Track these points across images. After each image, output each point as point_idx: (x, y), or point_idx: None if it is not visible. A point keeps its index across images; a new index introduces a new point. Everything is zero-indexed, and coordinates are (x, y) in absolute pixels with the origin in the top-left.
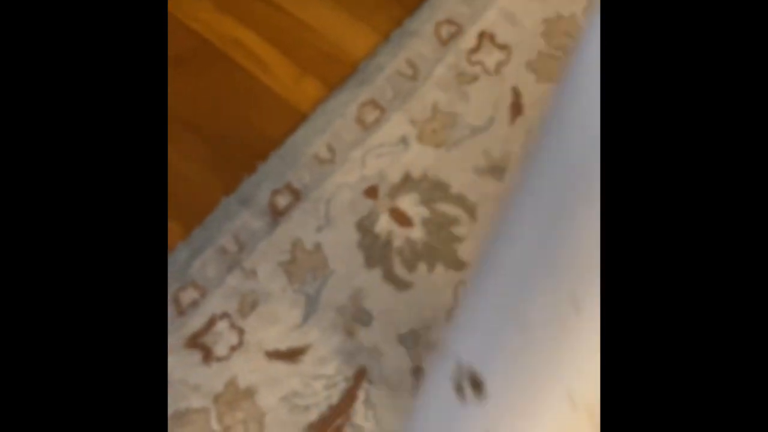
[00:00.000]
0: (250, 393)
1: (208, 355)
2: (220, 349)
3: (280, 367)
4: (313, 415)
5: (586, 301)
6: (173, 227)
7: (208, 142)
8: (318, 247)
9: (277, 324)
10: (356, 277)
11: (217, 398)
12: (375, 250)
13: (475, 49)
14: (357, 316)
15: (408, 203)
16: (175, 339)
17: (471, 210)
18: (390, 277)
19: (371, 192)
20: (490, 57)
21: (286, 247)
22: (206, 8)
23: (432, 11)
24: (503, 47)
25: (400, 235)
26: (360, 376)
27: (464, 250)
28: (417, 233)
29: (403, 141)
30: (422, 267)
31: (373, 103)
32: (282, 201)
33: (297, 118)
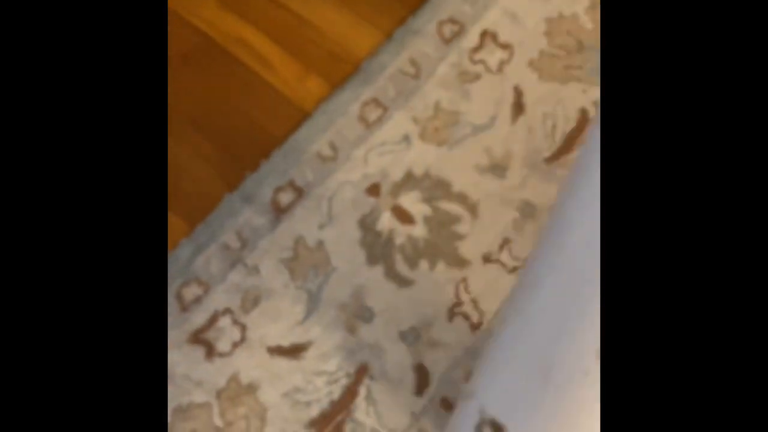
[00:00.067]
0: (252, 388)
1: (210, 351)
2: (222, 345)
3: (282, 363)
4: (314, 411)
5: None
6: (177, 223)
7: (211, 139)
8: (320, 244)
9: (279, 320)
10: (358, 275)
11: (219, 393)
12: (377, 247)
13: (478, 48)
14: (359, 313)
15: (410, 201)
16: (178, 334)
17: (472, 208)
18: (391, 275)
19: (373, 190)
20: (493, 56)
21: (289, 244)
22: (210, 6)
23: (435, 10)
24: (505, 46)
25: (402, 233)
26: (361, 372)
27: (465, 248)
28: (419, 231)
29: (406, 139)
30: (424, 264)
31: (376, 102)
32: (285, 198)
33: (300, 116)
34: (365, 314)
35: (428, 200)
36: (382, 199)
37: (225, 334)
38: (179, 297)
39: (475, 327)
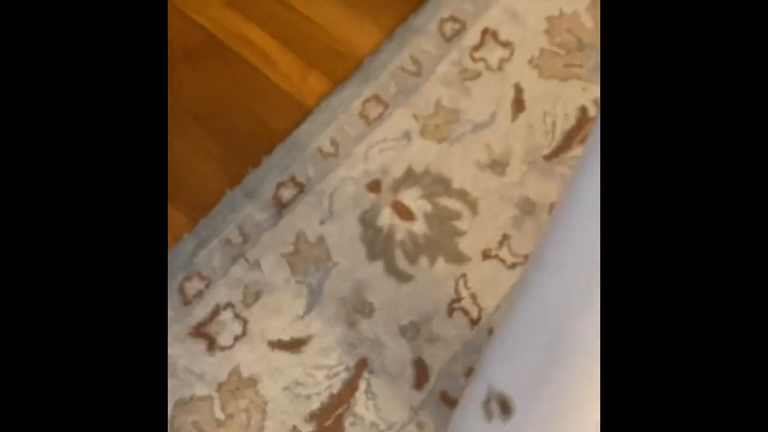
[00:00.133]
0: (253, 382)
1: (212, 345)
2: (224, 339)
3: (283, 357)
4: (314, 404)
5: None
6: (179, 218)
7: (214, 135)
8: (321, 239)
9: (280, 314)
10: (358, 270)
11: (221, 386)
12: (377, 243)
13: (478, 46)
14: (359, 308)
15: (410, 197)
16: (180, 328)
17: (472, 204)
18: (392, 270)
19: (374, 186)
20: (493, 54)
21: (290, 239)
22: (214, 4)
23: (436, 8)
24: (506, 44)
25: (402, 229)
26: (361, 366)
27: (465, 244)
28: (419, 227)
29: (406, 136)
30: (423, 260)
31: (377, 99)
32: (286, 194)
33: (302, 112)
34: (365, 309)
35: (428, 196)
36: (383, 195)
37: (226, 328)
38: (181, 291)
39: (474, 322)
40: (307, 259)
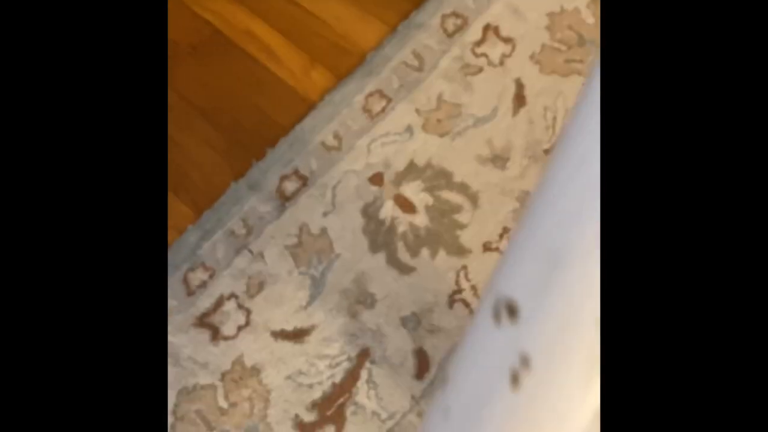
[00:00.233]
0: (256, 371)
1: (216, 334)
2: (227, 329)
3: (286, 347)
4: (316, 394)
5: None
6: (184, 210)
7: (219, 128)
8: (324, 231)
9: (283, 305)
10: (361, 261)
11: (224, 375)
12: (379, 235)
13: (480, 42)
14: (361, 299)
15: (412, 190)
16: (184, 318)
17: (473, 198)
18: (393, 262)
19: (376, 179)
20: (495, 49)
21: (293, 231)
22: None
23: (438, 4)
24: (508, 40)
25: (404, 221)
26: (363, 356)
27: (466, 237)
28: (420, 220)
29: (409, 130)
30: (425, 252)
31: (380, 93)
32: (290, 186)
33: (305, 106)
34: (367, 300)
35: (430, 190)
36: (385, 188)
37: (230, 318)
38: (186, 282)
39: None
40: (310, 251)
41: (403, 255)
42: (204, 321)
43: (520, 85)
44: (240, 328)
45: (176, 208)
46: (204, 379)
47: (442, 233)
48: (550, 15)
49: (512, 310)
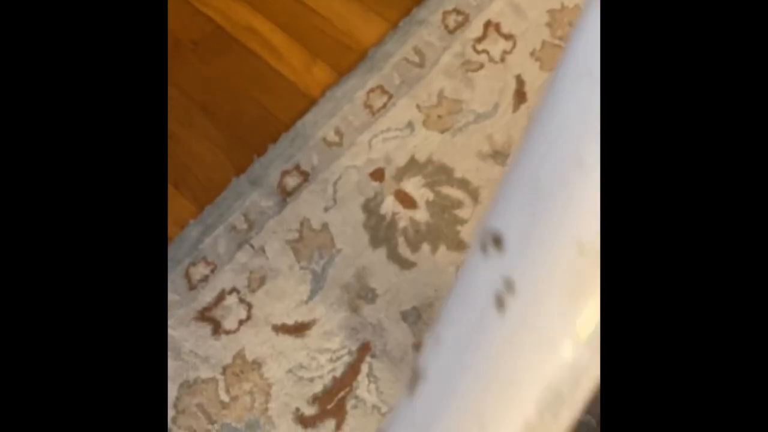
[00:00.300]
0: (257, 365)
1: (217, 328)
2: (229, 323)
3: (287, 341)
4: (317, 387)
5: (588, 159)
6: (186, 206)
7: (220, 124)
8: (325, 226)
9: (284, 299)
10: (361, 256)
11: (225, 369)
12: (380, 230)
13: (481, 38)
14: (362, 294)
15: (413, 186)
16: (185, 312)
17: (474, 194)
18: (394, 257)
19: (377, 174)
20: (496, 46)
21: (294, 226)
22: None
23: (440, 1)
24: (508, 37)
25: (405, 217)
26: (364, 350)
27: (466, 232)
28: (421, 215)
29: (410, 126)
30: (425, 247)
31: (381, 89)
32: (291, 182)
33: (307, 102)
34: (368, 295)
35: (431, 185)
36: (386, 184)
37: (231, 312)
38: (187, 276)
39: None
40: (311, 246)
41: (404, 250)
42: (205, 315)
43: (520, 82)
44: (241, 322)
45: (178, 203)
46: (205, 372)
47: (443, 228)
48: (551, 12)
49: (498, 241)
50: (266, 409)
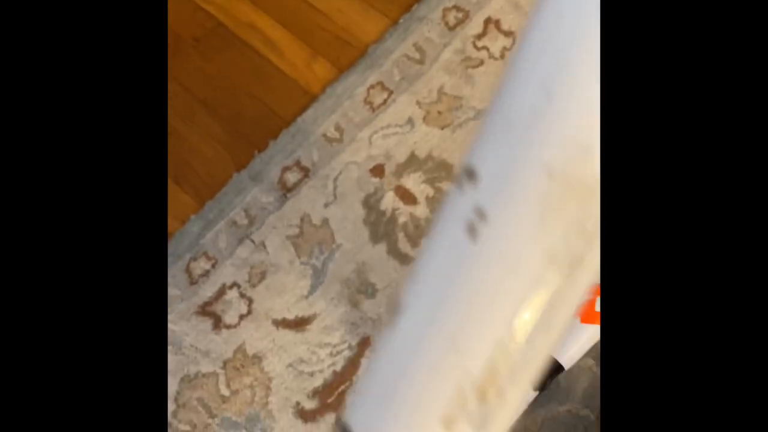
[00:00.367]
0: (257, 359)
1: (218, 323)
2: (229, 317)
3: (287, 335)
4: (317, 381)
5: (555, 90)
6: (187, 201)
7: (221, 120)
8: (325, 222)
9: (284, 294)
10: (362, 252)
11: (226, 363)
12: (380, 226)
13: (481, 35)
14: (362, 288)
15: (413, 182)
16: (186, 306)
17: None
18: (394, 252)
19: (377, 170)
20: (496, 43)
21: (295, 222)
22: None
23: None
24: (508, 33)
25: (405, 212)
26: (364, 344)
27: None
28: (421, 211)
29: (410, 122)
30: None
31: (381, 86)
32: (291, 177)
33: (307, 98)
34: (368, 290)
35: (430, 181)
36: (386, 180)
37: (232, 307)
38: (188, 271)
39: None
40: (312, 241)
41: (404, 245)
42: (206, 310)
43: None
44: (242, 317)
45: (179, 198)
46: (206, 366)
47: None
48: None
49: (471, 175)
50: (267, 403)
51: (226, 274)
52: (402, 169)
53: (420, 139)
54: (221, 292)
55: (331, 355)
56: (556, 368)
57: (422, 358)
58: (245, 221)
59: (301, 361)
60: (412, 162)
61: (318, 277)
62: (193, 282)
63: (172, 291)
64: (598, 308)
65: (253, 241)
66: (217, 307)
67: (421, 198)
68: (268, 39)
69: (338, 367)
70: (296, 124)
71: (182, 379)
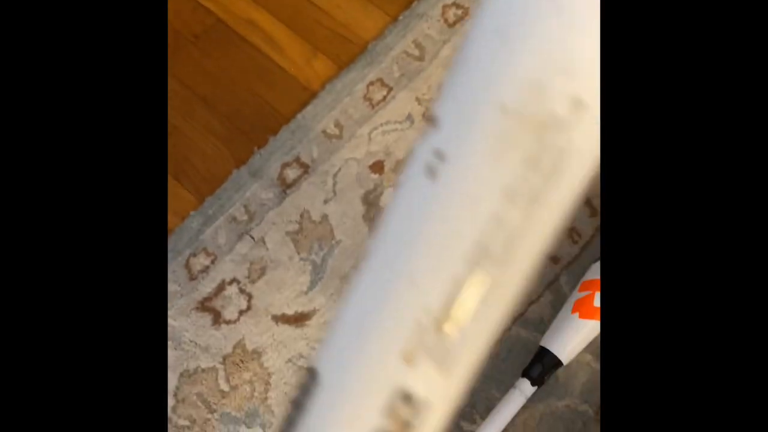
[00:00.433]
0: (257, 354)
1: (217, 318)
2: (229, 313)
3: (287, 331)
4: None
5: (509, 32)
6: (186, 197)
7: (221, 116)
8: (325, 218)
9: (284, 290)
10: (361, 248)
11: (225, 359)
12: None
13: None
14: None
15: None
16: (186, 302)
17: None
18: None
19: (377, 167)
20: None
21: (295, 218)
22: None
23: None
24: None
25: None
26: None
27: None
28: None
29: (409, 119)
30: None
31: (381, 82)
32: (291, 173)
33: (307, 95)
34: None
35: None
36: (386, 176)
37: (232, 303)
38: (188, 267)
39: None
40: (311, 237)
41: None
42: (206, 305)
43: None
44: (241, 313)
45: (179, 194)
46: (205, 362)
47: None
48: None
49: (433, 121)
50: (266, 399)
51: (225, 269)
52: (401, 165)
53: (419, 135)
54: (221, 287)
55: None
56: (554, 363)
57: (382, 297)
58: (245, 217)
59: (301, 356)
60: None
61: (317, 272)
62: (192, 278)
63: (171, 286)
64: (596, 304)
65: (252, 237)
66: (217, 303)
67: None
68: (268, 36)
69: None
70: (296, 121)
71: (182, 375)
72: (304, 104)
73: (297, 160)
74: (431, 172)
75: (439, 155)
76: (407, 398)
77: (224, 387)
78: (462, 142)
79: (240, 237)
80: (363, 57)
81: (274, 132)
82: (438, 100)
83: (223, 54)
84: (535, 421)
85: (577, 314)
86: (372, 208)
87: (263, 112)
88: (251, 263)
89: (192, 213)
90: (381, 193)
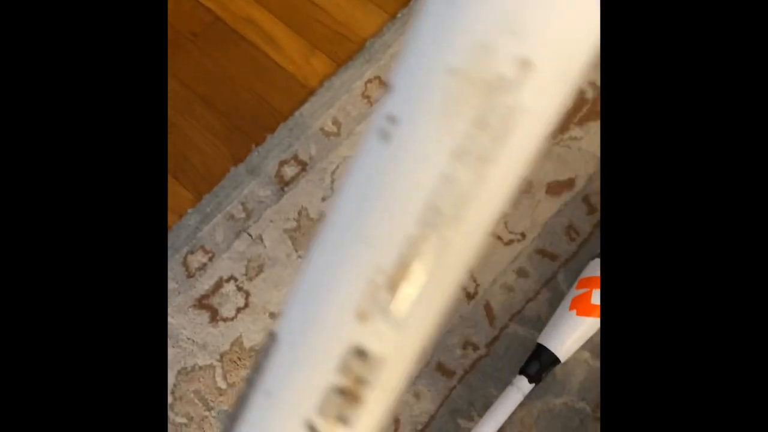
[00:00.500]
0: (254, 352)
1: (215, 316)
2: (226, 310)
3: None
4: None
5: None
6: (184, 194)
7: (219, 114)
8: (323, 215)
9: (281, 287)
10: None
11: (223, 356)
12: None
13: None
14: None
15: None
16: (183, 300)
17: None
18: None
19: None
20: None
21: (292, 215)
22: None
23: None
24: None
25: None
26: None
27: None
28: None
29: None
30: None
31: (379, 80)
32: (289, 171)
33: (305, 93)
34: None
35: None
36: None
37: (229, 300)
38: (185, 264)
39: (470, 296)
40: (309, 235)
41: None
42: (203, 303)
43: None
44: (239, 310)
45: (177, 192)
46: (203, 359)
47: None
48: None
49: (389, 89)
50: None
51: (223, 267)
52: None
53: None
54: (218, 285)
55: None
56: (552, 361)
57: (337, 258)
58: (242, 215)
59: None
60: None
61: None
62: (190, 275)
63: (169, 284)
64: (593, 301)
65: (250, 235)
66: (214, 300)
67: None
68: (266, 33)
69: None
70: (294, 118)
71: (179, 372)
72: (302, 102)
73: (295, 157)
74: (385, 136)
75: (392, 119)
76: (362, 354)
77: (221, 384)
78: (412, 106)
79: (238, 234)
80: (361, 55)
81: (272, 130)
82: (394, 67)
83: (221, 52)
84: (532, 418)
85: (574, 311)
86: None
87: (261, 110)
88: (249, 261)
89: (190, 210)
90: None
